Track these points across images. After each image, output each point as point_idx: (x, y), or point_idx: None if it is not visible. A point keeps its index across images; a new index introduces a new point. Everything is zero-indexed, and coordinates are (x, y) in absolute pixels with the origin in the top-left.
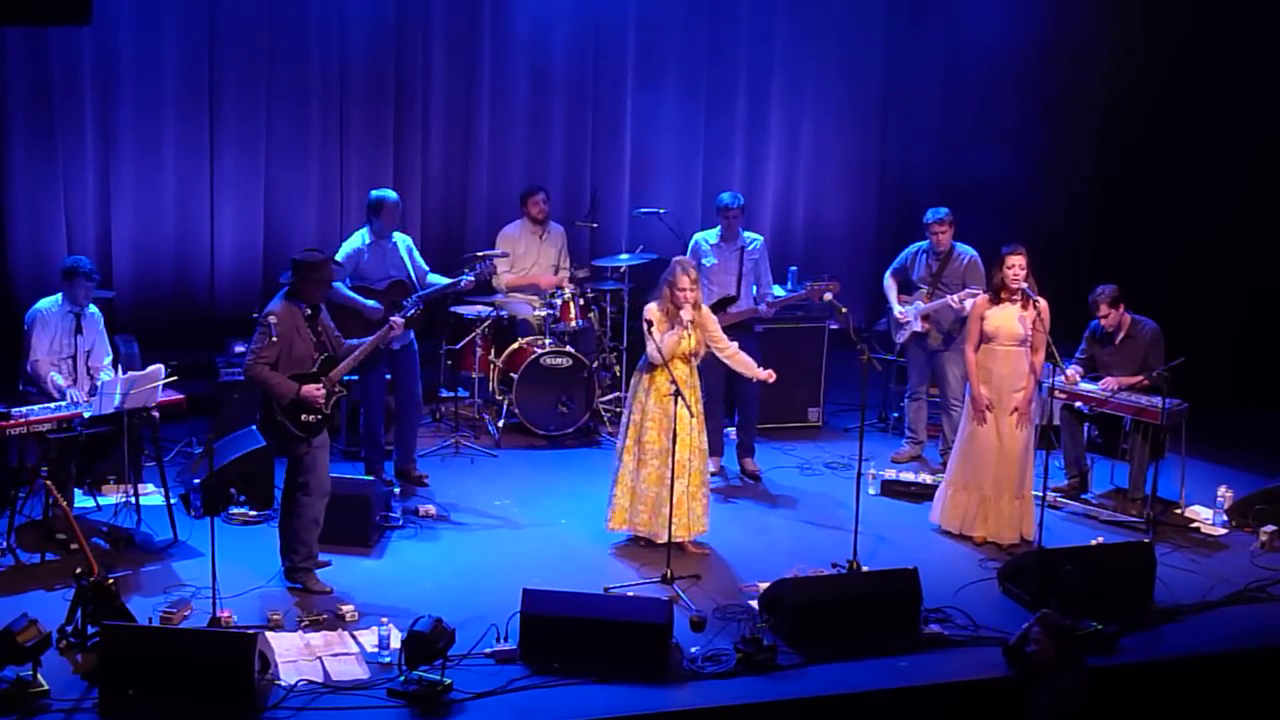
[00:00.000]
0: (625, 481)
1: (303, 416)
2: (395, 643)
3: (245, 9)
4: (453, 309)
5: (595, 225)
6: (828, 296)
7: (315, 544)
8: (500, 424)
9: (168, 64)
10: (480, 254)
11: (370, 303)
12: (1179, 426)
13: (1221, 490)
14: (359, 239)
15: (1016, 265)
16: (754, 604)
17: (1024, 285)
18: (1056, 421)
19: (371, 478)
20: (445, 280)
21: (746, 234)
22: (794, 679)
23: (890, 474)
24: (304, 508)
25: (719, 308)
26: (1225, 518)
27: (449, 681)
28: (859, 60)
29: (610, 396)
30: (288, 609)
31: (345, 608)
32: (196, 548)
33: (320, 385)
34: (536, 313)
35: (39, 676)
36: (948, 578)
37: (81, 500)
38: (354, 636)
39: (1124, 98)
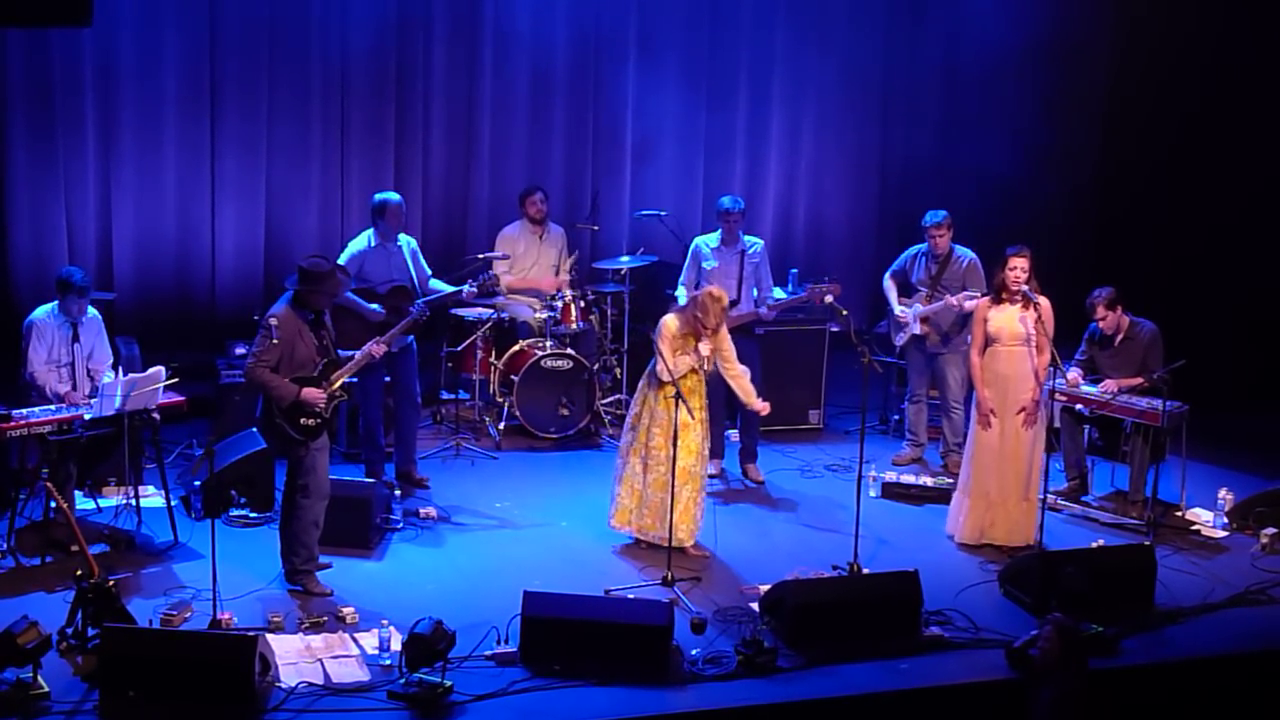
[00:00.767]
0: (630, 483)
1: (302, 420)
2: (396, 645)
3: (246, 9)
4: (453, 311)
5: (596, 228)
6: (829, 299)
7: (315, 546)
8: (501, 426)
9: (168, 64)
10: (481, 255)
11: (372, 306)
12: (1179, 429)
13: (1222, 493)
14: (363, 241)
15: (1019, 268)
16: (755, 606)
17: (1024, 288)
18: (1057, 424)
19: (372, 480)
20: (448, 288)
21: (747, 238)
22: (795, 681)
23: (891, 476)
24: (304, 510)
25: None
26: (1226, 520)
27: (449, 684)
28: (860, 61)
29: (611, 399)
30: (288, 611)
31: (346, 610)
32: (197, 550)
33: (321, 389)
34: (537, 315)
35: (39, 678)
36: (948, 580)
37: (82, 502)
38: (354, 639)
39: (1125, 97)
